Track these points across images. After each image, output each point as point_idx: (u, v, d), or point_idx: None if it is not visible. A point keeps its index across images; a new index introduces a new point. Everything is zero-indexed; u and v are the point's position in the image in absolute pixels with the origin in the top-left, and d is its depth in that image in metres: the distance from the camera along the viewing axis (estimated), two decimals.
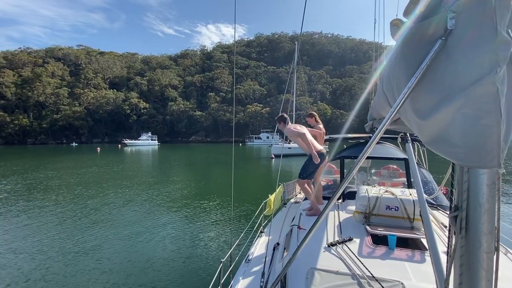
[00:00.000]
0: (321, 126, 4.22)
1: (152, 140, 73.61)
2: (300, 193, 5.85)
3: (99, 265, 5.59)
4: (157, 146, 66.42)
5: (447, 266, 0.86)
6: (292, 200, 5.29)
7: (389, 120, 0.86)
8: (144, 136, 73.23)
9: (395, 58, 0.94)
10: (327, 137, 4.71)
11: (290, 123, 3.85)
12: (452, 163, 0.85)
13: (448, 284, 0.85)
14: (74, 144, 79.38)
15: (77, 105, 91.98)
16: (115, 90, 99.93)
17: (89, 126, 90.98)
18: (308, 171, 3.85)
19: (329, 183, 4.77)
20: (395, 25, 0.94)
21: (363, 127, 3.58)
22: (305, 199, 4.20)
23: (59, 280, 5.07)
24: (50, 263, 5.73)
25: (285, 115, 3.92)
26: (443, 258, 0.97)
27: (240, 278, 2.91)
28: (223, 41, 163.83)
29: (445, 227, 2.71)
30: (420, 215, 1.08)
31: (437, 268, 0.94)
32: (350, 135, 5.36)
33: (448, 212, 3.12)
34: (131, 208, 10.16)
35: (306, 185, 3.88)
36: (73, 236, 7.26)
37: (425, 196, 1.22)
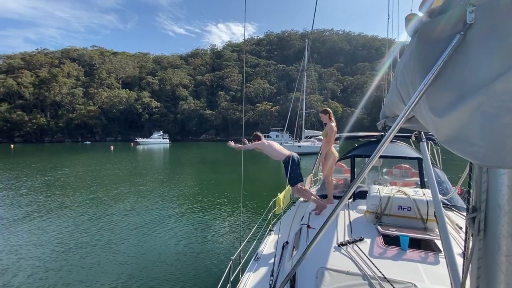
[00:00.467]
0: (333, 124, 4.09)
1: (163, 138, 74.77)
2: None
3: (114, 257, 5.81)
4: (168, 145, 67.42)
5: (463, 269, 0.83)
6: (301, 199, 5.27)
7: (403, 118, 0.84)
8: (156, 135, 74.47)
9: (410, 54, 0.91)
10: (337, 135, 4.65)
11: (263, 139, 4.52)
12: (470, 162, 0.82)
13: (464, 287, 0.83)
14: (87, 142, 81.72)
15: (92, 104, 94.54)
16: (127, 89, 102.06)
17: (103, 125, 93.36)
18: (293, 176, 3.87)
19: (339, 182, 4.72)
20: (410, 20, 0.92)
21: (374, 125, 3.52)
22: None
23: (77, 270, 5.30)
24: (69, 254, 5.99)
25: (258, 133, 4.64)
26: (459, 261, 0.94)
27: (250, 276, 2.92)
28: (233, 40, 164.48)
29: (460, 228, 2.65)
30: (435, 216, 1.12)
31: (453, 271, 0.91)
32: (361, 134, 5.28)
33: (463, 213, 3.06)
34: (144, 204, 10.41)
35: (300, 188, 3.89)
36: (89, 230, 7.54)
37: (440, 196, 1.19)
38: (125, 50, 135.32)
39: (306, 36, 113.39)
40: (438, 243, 2.33)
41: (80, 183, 15.55)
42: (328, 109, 4.26)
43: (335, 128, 4.09)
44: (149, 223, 8.09)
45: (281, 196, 4.41)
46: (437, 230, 2.49)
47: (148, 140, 70.21)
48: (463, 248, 2.30)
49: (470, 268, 0.79)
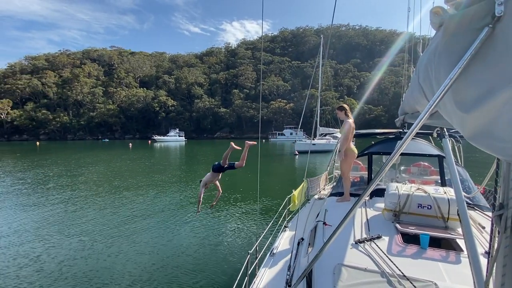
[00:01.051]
0: (350, 120, 3.98)
1: (179, 136, 76.29)
2: (324, 189, 5.77)
3: (137, 247, 6.12)
4: (184, 142, 68.73)
5: (487, 268, 0.81)
6: (316, 196, 5.24)
7: (427, 114, 0.82)
8: (172, 133, 76.10)
9: (435, 48, 0.89)
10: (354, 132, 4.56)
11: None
12: (497, 159, 0.81)
13: (488, 286, 0.81)
14: (106, 140, 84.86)
15: (111, 103, 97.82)
16: (145, 88, 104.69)
17: (122, 123, 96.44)
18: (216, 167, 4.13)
19: (356, 180, 4.64)
20: (436, 13, 0.89)
21: (393, 123, 3.43)
22: (330, 195, 4.14)
23: (103, 258, 5.65)
24: (95, 244, 6.38)
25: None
26: (482, 260, 0.94)
27: (266, 270, 2.97)
28: (247, 38, 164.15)
29: (483, 228, 2.59)
30: (458, 215, 1.08)
31: (476, 270, 0.91)
32: (377, 131, 5.16)
33: (486, 213, 2.94)
34: (163, 199, 10.79)
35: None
36: (114, 222, 7.98)
37: (463, 194, 1.15)
38: (143, 49, 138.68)
39: (321, 32, 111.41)
40: (460, 242, 2.27)
41: (102, 178, 16.29)
42: (344, 105, 4.14)
43: (352, 125, 3.97)
44: (168, 215, 8.45)
45: (296, 193, 4.41)
46: (458, 229, 2.44)
47: (165, 138, 71.87)
48: (486, 247, 2.25)
49: (495, 267, 0.77)
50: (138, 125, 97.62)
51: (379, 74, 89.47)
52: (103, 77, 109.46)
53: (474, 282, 0.90)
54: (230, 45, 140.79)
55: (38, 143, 67.80)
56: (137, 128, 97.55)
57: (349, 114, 4.05)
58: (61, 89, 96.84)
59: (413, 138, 4.18)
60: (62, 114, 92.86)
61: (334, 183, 5.30)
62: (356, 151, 3.99)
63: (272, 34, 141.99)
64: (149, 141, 69.16)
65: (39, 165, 22.77)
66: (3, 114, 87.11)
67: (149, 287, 4.61)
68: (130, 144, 56.12)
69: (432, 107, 0.80)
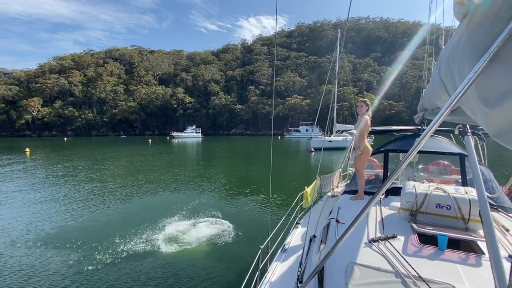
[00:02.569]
0: (367, 117, 3.88)
1: (196, 132, 77.83)
2: (337, 186, 5.70)
3: (155, 235, 6.57)
4: (200, 138, 70.00)
5: (511, 271, 0.77)
6: (329, 194, 5.19)
7: (448, 109, 0.79)
8: (189, 129, 77.76)
9: (459, 40, 0.85)
10: (371, 129, 4.45)
11: None
12: None
13: None
14: (123, 135, 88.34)
15: (132, 100, 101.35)
16: (163, 86, 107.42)
17: (142, 119, 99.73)
18: None
19: (370, 178, 4.54)
20: (460, 3, 0.86)
21: (411, 119, 3.32)
22: (344, 193, 4.09)
23: (123, 244, 6.13)
24: (119, 232, 6.87)
25: None
26: (505, 263, 0.92)
27: (278, 266, 2.99)
28: (263, 33, 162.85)
29: (507, 230, 2.47)
30: (480, 216, 0.97)
31: (498, 273, 0.88)
32: (395, 128, 4.99)
33: (510, 215, 2.79)
34: (181, 192, 11.24)
35: None
36: (137, 212, 8.59)
37: (486, 194, 1.12)
38: (162, 48, 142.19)
39: (339, 26, 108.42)
40: (481, 244, 2.17)
41: (127, 171, 17.21)
42: (368, 101, 4.06)
43: (368, 121, 3.87)
44: (185, 208, 8.80)
45: (308, 190, 4.39)
46: (480, 231, 2.33)
47: (182, 134, 73.58)
48: (510, 251, 2.14)
49: None
50: (157, 122, 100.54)
51: (400, 68, 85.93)
52: (124, 75, 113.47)
53: (495, 286, 0.88)
54: (246, 42, 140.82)
55: (65, 139, 71.81)
56: (156, 124, 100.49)
57: (370, 111, 3.99)
58: (85, 88, 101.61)
59: (432, 136, 4.02)
60: (87, 111, 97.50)
61: (348, 181, 5.22)
62: (371, 149, 3.90)
63: (289, 29, 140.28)
64: (168, 137, 71.12)
65: (69, 159, 24.24)
66: (34, 111, 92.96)
67: (161, 278, 4.78)
68: (150, 140, 58.02)
69: (454, 102, 0.77)
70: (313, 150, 29.00)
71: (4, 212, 8.88)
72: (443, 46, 1.16)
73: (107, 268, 5.16)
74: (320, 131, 47.46)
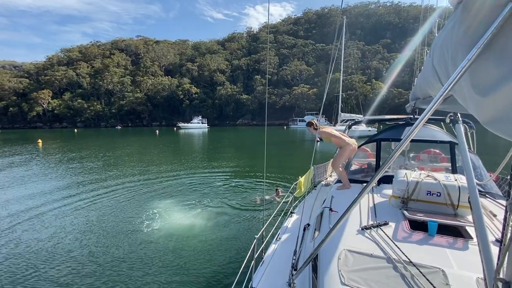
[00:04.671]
0: (322, 129, 4.20)
1: (202, 123, 78.09)
2: (331, 175, 5.76)
3: (150, 224, 6.81)
4: (206, 129, 70.29)
5: (498, 255, 0.82)
6: (323, 182, 5.26)
7: (441, 98, 0.79)
8: (195, 120, 78.05)
9: (453, 27, 0.84)
10: (363, 118, 4.48)
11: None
12: None
13: (498, 274, 0.81)
14: (118, 127, 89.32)
15: (139, 91, 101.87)
16: (169, 76, 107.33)
17: (149, 110, 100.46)
18: None
19: (363, 167, 4.59)
20: None
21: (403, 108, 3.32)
22: (336, 182, 4.17)
23: (126, 233, 6.38)
24: (129, 222, 7.16)
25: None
26: (493, 247, 0.93)
27: (273, 255, 3.08)
28: (270, 21, 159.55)
29: (494, 215, 2.55)
30: (469, 202, 1.08)
31: (486, 257, 0.90)
32: (387, 117, 4.98)
33: (498, 201, 2.82)
34: (181, 181, 11.52)
35: None
36: (144, 199, 8.96)
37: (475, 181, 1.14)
38: (168, 38, 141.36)
39: (348, 11, 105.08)
40: (469, 229, 2.25)
41: (135, 161, 17.83)
42: (311, 121, 4.30)
43: (327, 130, 4.16)
44: (187, 198, 9.07)
45: (302, 179, 4.47)
46: (468, 217, 2.41)
47: (188, 125, 73.97)
48: (497, 235, 2.19)
49: (507, 255, 0.77)
50: (164, 113, 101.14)
51: (410, 54, 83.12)
52: (130, 66, 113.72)
53: (483, 270, 0.88)
54: (252, 30, 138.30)
55: (76, 130, 73.32)
56: (163, 115, 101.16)
57: (318, 125, 4.25)
58: (93, 79, 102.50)
59: (424, 124, 4.01)
60: (95, 103, 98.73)
61: None
62: (354, 143, 4.00)
63: (295, 16, 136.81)
64: (175, 128, 71.71)
65: (80, 149, 25.08)
66: (44, 103, 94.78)
67: (155, 267, 4.93)
68: (157, 131, 58.69)
69: (447, 90, 0.77)
70: (318, 140, 28.80)
71: (23, 199, 9.42)
72: (437, 34, 1.14)
73: (109, 252, 5.45)
74: (326, 121, 47.03)
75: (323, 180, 5.42)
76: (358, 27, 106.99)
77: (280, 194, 8.38)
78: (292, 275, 2.34)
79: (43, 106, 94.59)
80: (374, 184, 3.52)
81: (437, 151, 4.68)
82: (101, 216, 7.58)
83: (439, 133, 3.89)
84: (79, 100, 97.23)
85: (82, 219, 7.46)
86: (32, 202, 9.15)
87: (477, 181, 3.10)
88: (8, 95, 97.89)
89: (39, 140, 34.19)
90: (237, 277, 2.64)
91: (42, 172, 14.41)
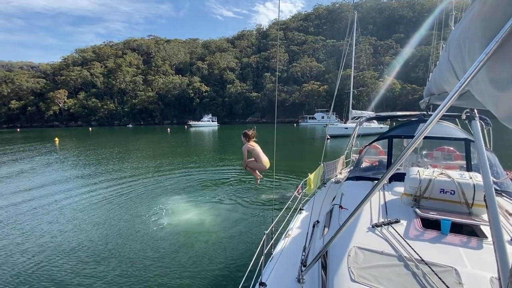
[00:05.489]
0: (247, 145, 4.23)
1: (212, 121, 78.82)
2: (341, 173, 5.70)
3: (160, 218, 7.01)
4: (217, 127, 70.85)
5: None
6: (333, 180, 5.21)
7: (457, 93, 0.77)
8: (205, 118, 78.85)
9: (470, 20, 0.82)
10: (374, 115, 4.39)
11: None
12: None
13: None
14: (130, 125, 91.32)
15: (150, 90, 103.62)
16: (180, 75, 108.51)
17: (161, 109, 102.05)
18: None
19: (374, 164, 4.52)
20: None
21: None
22: (347, 179, 4.12)
23: (139, 228, 6.57)
24: (140, 216, 7.38)
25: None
26: (508, 247, 0.91)
27: (282, 250, 3.09)
28: (280, 18, 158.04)
29: (510, 215, 2.47)
30: (484, 200, 1.05)
31: (501, 257, 0.87)
32: (399, 113, 4.87)
33: None
34: (194, 177, 11.76)
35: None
36: (155, 199, 9.06)
37: (492, 179, 1.09)
38: (178, 37, 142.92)
39: (359, 6, 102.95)
40: (484, 229, 2.19)
41: (149, 157, 18.41)
42: (247, 132, 4.26)
43: (246, 149, 4.21)
44: (196, 194, 9.27)
45: (311, 176, 4.45)
46: (483, 216, 2.35)
47: (199, 123, 74.86)
48: None
49: None
50: (175, 111, 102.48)
51: (421, 49, 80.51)
52: (142, 65, 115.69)
53: (498, 269, 0.87)
54: (262, 27, 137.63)
55: (90, 128, 75.44)
56: (174, 114, 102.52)
57: (250, 139, 4.24)
58: (106, 79, 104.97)
59: (438, 121, 3.89)
60: (108, 102, 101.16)
61: (352, 167, 5.21)
62: (267, 165, 4.19)
63: (306, 12, 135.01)
64: (186, 126, 72.66)
65: (95, 147, 25.94)
66: (60, 103, 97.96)
67: (166, 259, 5.08)
68: (169, 129, 59.65)
69: (463, 85, 0.74)
70: (329, 137, 28.52)
71: (43, 193, 9.95)
72: (453, 28, 1.12)
73: (128, 242, 5.62)
74: (336, 118, 46.42)
75: (333, 178, 5.37)
76: (370, 22, 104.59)
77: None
78: (302, 271, 2.35)
79: (59, 106, 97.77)
80: (386, 182, 3.46)
81: (452, 148, 4.54)
82: (115, 209, 7.87)
83: (454, 130, 3.77)
84: (93, 99, 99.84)
85: (98, 211, 7.81)
86: (51, 194, 9.71)
87: (493, 179, 3.01)
88: (26, 95, 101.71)
89: (56, 138, 35.43)
90: (247, 271, 2.66)
91: (60, 168, 15.09)
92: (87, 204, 8.52)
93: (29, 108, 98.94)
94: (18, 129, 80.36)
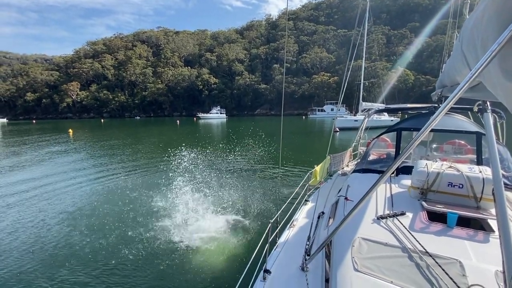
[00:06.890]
0: None
1: (221, 113, 79.02)
2: (347, 165, 5.67)
3: (175, 206, 7.16)
4: (225, 119, 71.01)
5: None
6: (339, 172, 5.20)
7: (467, 83, 0.75)
8: (214, 110, 79.09)
9: (484, 9, 0.80)
10: (384, 107, 4.32)
11: None
12: None
13: None
14: (137, 117, 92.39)
15: (160, 82, 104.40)
16: (189, 67, 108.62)
17: (170, 101, 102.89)
18: None
19: (381, 157, 4.47)
20: None
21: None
22: (353, 171, 4.11)
23: (148, 210, 7.01)
24: (148, 204, 7.73)
25: None
26: None
27: (287, 239, 3.16)
28: (289, 7, 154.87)
29: None
30: (493, 194, 1.05)
31: (507, 250, 0.87)
32: (410, 105, 4.76)
33: None
34: (205, 167, 11.99)
35: None
36: (161, 187, 9.34)
37: (502, 172, 1.10)
38: (187, 28, 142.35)
39: None
40: (491, 223, 2.17)
41: (159, 149, 18.91)
42: None
43: None
44: (205, 184, 9.34)
45: (317, 168, 4.46)
46: (491, 210, 2.32)
47: (207, 115, 75.19)
48: None
49: None
50: (184, 103, 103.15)
51: (435, 39, 77.33)
52: (152, 57, 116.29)
53: (503, 263, 0.86)
54: (271, 17, 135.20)
55: (102, 120, 77.06)
56: (183, 106, 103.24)
57: None
58: (117, 71, 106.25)
59: (449, 114, 3.80)
60: (119, 94, 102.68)
61: (359, 160, 5.17)
62: None
63: (316, 1, 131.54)
64: (195, 118, 73.17)
65: (109, 138, 26.78)
66: (73, 95, 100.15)
67: (175, 245, 5.26)
68: (178, 121, 60.25)
69: (474, 76, 0.72)
70: (337, 130, 28.17)
71: (58, 183, 10.41)
72: (467, 16, 1.08)
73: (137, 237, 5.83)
74: (346, 110, 45.69)
75: (339, 170, 5.36)
76: (384, 11, 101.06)
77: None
78: (306, 260, 2.39)
79: (72, 98, 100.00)
80: (393, 174, 3.44)
81: (462, 142, 4.43)
82: (125, 199, 8.14)
83: (465, 123, 3.68)
84: (104, 92, 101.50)
85: (113, 200, 8.16)
86: (65, 181, 10.34)
87: (504, 173, 2.94)
88: (41, 87, 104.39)
89: (70, 130, 36.47)
90: (251, 259, 2.73)
91: (75, 159, 15.72)
92: (106, 192, 9.06)
93: (44, 100, 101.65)
94: (34, 121, 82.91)
